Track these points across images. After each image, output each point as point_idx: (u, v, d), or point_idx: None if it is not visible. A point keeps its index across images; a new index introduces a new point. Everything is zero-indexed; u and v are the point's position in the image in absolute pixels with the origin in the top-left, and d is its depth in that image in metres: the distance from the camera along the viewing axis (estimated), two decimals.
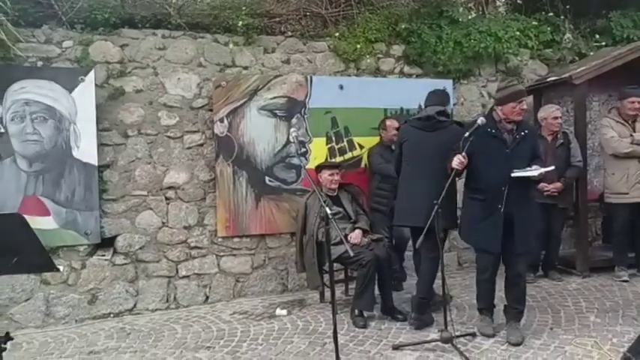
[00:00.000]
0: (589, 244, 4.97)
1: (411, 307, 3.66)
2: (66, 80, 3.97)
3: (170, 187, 4.34)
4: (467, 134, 3.09)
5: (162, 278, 4.29)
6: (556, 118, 4.39)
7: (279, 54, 4.68)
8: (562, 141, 4.43)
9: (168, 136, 4.34)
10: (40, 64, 4.01)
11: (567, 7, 5.60)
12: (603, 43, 5.51)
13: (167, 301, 4.30)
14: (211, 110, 4.40)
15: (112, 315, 4.13)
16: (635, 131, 4.41)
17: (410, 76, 5.06)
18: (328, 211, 2.79)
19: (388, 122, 4.44)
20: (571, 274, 4.64)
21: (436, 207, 3.01)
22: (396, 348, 3.19)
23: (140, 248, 4.24)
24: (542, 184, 4.31)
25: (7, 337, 2.04)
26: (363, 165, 4.73)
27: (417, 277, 3.70)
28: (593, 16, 5.67)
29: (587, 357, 2.99)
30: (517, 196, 3.15)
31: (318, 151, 4.63)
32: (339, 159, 4.65)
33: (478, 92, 5.28)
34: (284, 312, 3.99)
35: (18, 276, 3.82)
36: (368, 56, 4.88)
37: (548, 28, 5.45)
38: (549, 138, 4.43)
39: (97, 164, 4.05)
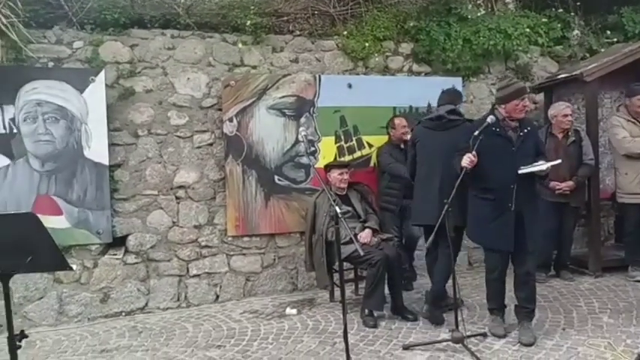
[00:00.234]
0: (601, 243, 4.90)
1: (424, 299, 3.67)
2: (77, 81, 4.00)
3: (180, 187, 4.36)
4: (476, 132, 3.08)
5: (173, 277, 4.32)
6: (566, 115, 4.34)
7: (287, 53, 4.68)
8: (574, 139, 4.38)
9: (178, 136, 4.36)
10: (51, 64, 4.05)
11: (578, 3, 5.53)
12: (615, 40, 5.43)
13: (178, 299, 4.33)
14: (220, 110, 4.41)
15: (123, 313, 4.17)
16: None
17: (419, 74, 5.02)
18: (338, 210, 2.76)
19: (397, 121, 4.42)
20: (583, 274, 4.59)
21: (446, 206, 3.02)
22: (406, 348, 3.18)
23: (151, 247, 4.27)
24: (553, 183, 4.28)
25: (22, 335, 2.05)
26: (372, 164, 4.72)
27: (432, 275, 3.72)
28: (604, 12, 5.59)
29: (601, 358, 2.95)
30: (525, 194, 3.16)
31: (327, 149, 4.62)
32: (348, 158, 4.65)
33: (488, 90, 5.23)
34: (294, 311, 4.00)
35: (32, 275, 3.87)
36: (376, 54, 4.86)
37: (559, 25, 5.39)
38: (560, 136, 4.38)
39: (108, 164, 4.08)
